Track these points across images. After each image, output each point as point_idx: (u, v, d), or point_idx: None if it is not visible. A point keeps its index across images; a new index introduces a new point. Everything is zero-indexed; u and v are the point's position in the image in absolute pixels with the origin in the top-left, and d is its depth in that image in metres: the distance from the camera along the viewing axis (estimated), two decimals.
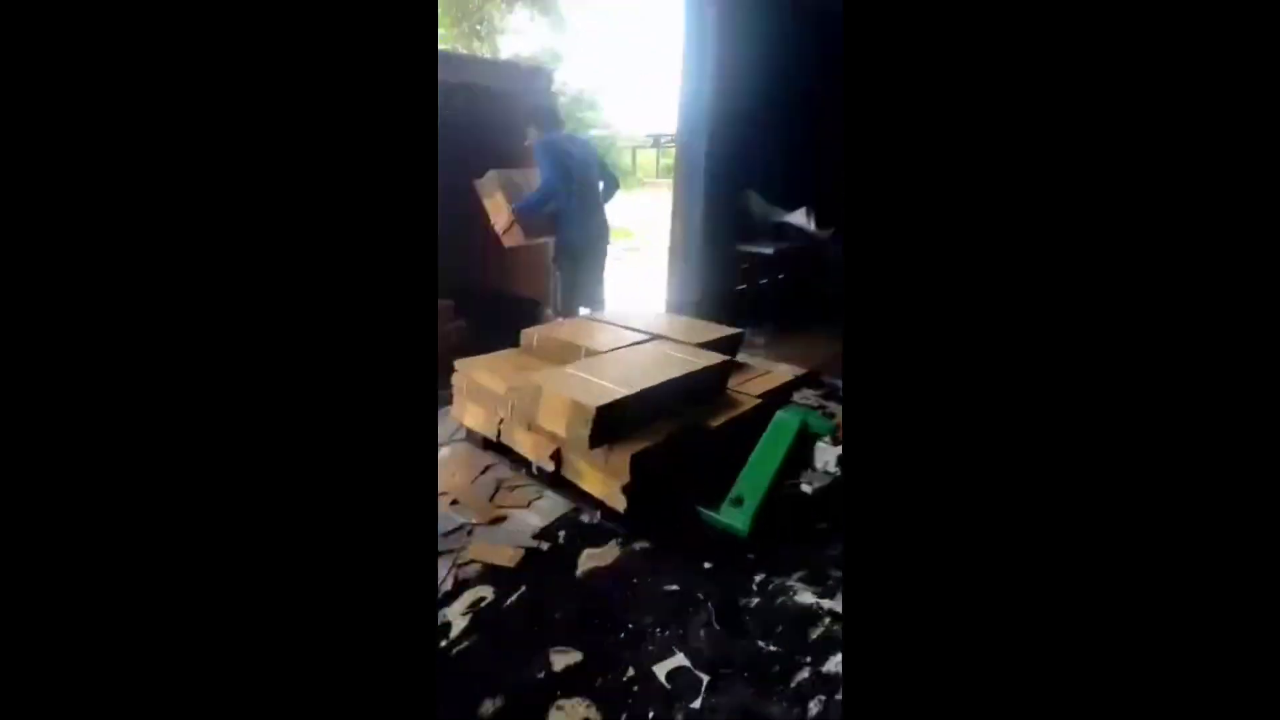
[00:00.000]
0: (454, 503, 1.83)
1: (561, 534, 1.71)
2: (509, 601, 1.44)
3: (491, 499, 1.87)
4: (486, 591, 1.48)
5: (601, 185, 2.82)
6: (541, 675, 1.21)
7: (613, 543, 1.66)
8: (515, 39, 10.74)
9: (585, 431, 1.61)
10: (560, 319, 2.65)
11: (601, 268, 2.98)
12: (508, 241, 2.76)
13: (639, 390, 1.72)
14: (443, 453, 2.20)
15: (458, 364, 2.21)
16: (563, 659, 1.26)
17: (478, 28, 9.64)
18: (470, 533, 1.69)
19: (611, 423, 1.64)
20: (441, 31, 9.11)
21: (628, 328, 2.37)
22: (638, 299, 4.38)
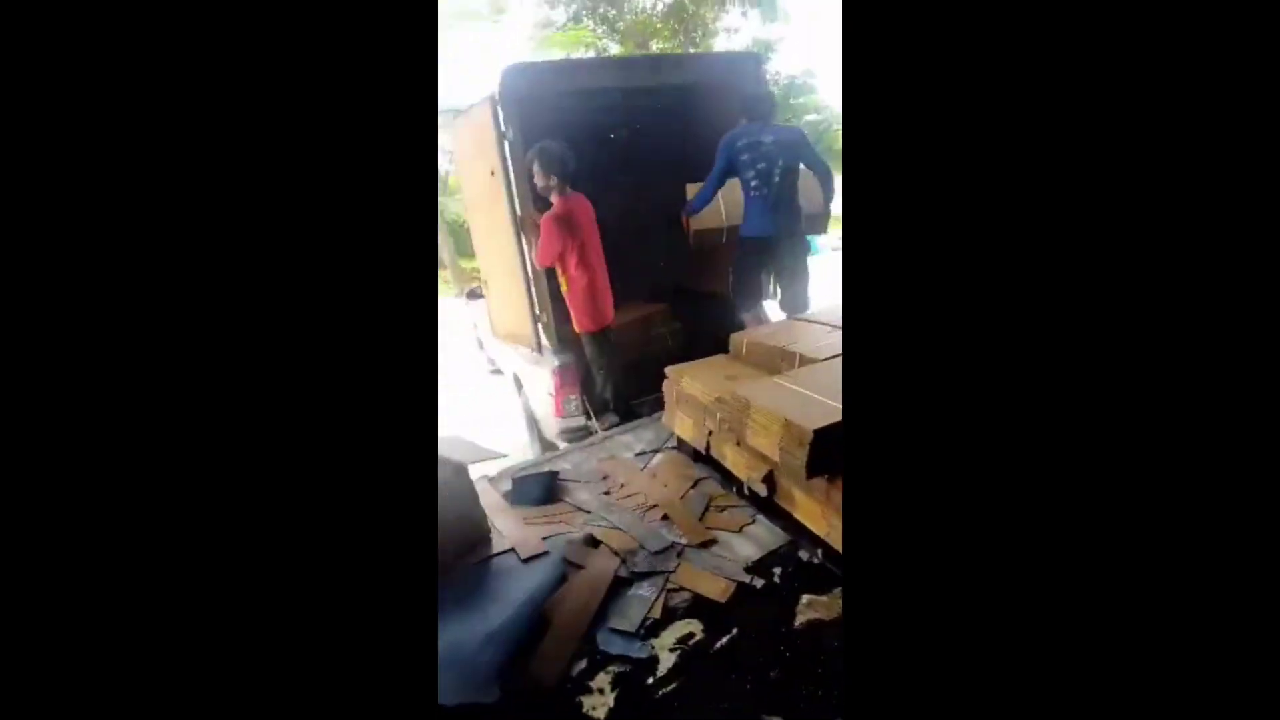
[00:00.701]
0: (664, 518, 1.77)
1: (777, 571, 1.52)
2: (719, 644, 1.31)
3: (701, 518, 1.77)
4: (695, 627, 1.37)
5: (813, 176, 2.65)
6: None
7: (837, 590, 1.41)
8: (728, 38, 10.71)
9: (800, 458, 1.39)
10: (758, 321, 2.46)
11: (795, 266, 2.78)
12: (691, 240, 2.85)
13: None
14: (654, 461, 2.18)
15: (668, 371, 2.17)
16: None
17: (693, 34, 9.82)
18: (680, 554, 1.61)
19: (833, 448, 1.39)
20: (663, 45, 9.49)
21: (839, 325, 2.06)
22: None
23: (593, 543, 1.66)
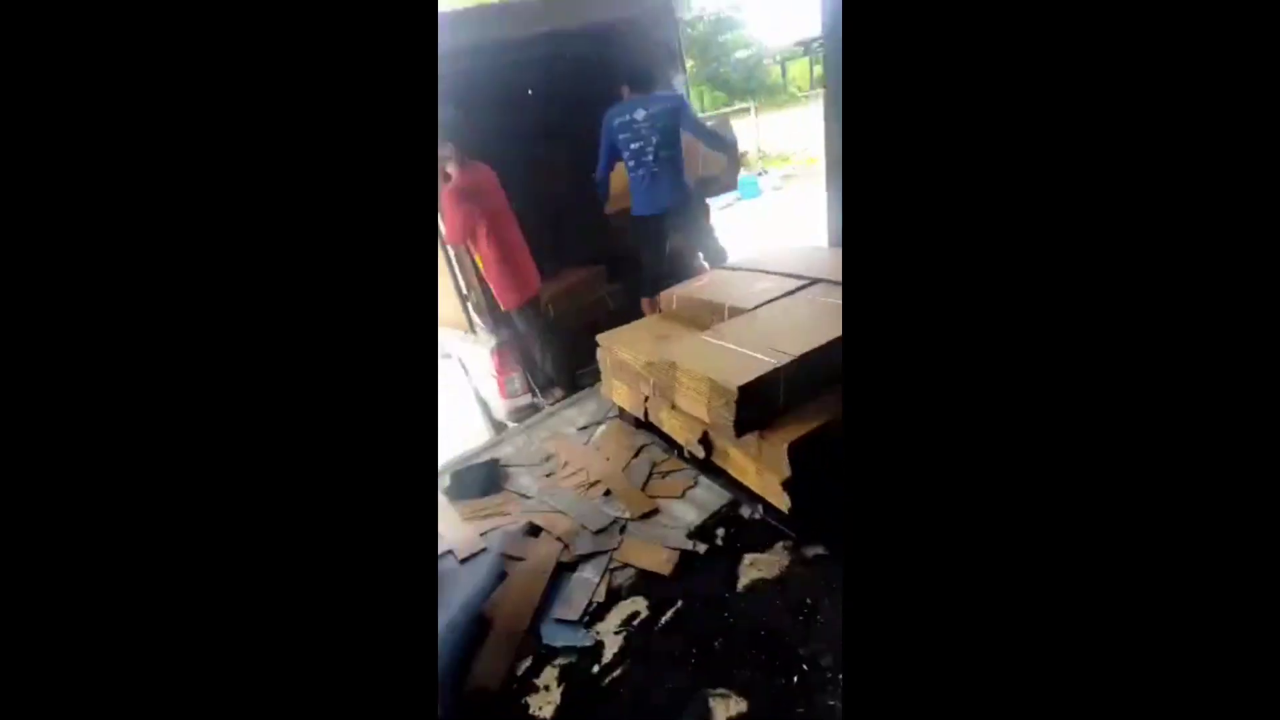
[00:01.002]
0: (606, 493, 1.72)
1: (720, 532, 1.48)
2: (663, 620, 1.27)
3: (644, 487, 1.72)
4: (640, 604, 1.33)
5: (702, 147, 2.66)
6: None
7: (779, 547, 1.39)
8: None
9: (728, 416, 1.33)
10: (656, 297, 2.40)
11: (693, 233, 2.79)
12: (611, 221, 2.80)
13: (794, 358, 1.37)
14: (596, 434, 2.11)
15: (600, 338, 2.07)
16: (724, 708, 1.05)
17: None
18: (623, 529, 1.56)
19: (760, 403, 1.34)
20: None
21: (782, 273, 1.99)
22: (797, 235, 3.82)
23: (533, 531, 1.59)
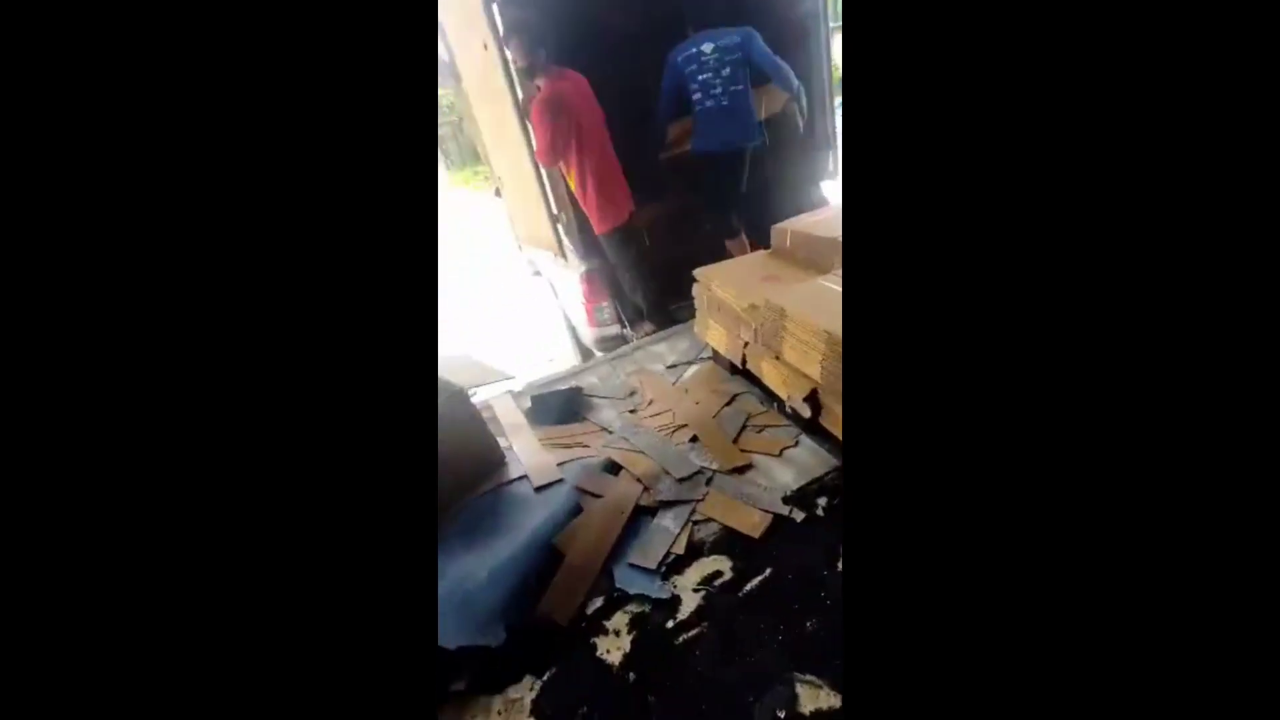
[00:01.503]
0: (693, 439, 1.60)
1: (821, 502, 1.33)
2: (750, 586, 1.16)
3: (736, 439, 1.58)
4: (724, 565, 1.22)
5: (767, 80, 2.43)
6: (783, 716, 0.92)
7: None
8: None
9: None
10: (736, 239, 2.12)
11: (762, 172, 2.56)
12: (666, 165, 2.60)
13: None
14: (686, 374, 1.98)
15: (698, 273, 1.90)
16: (814, 697, 0.93)
17: None
18: (710, 481, 1.44)
19: None
20: None
21: None
22: None
23: (613, 468, 1.51)
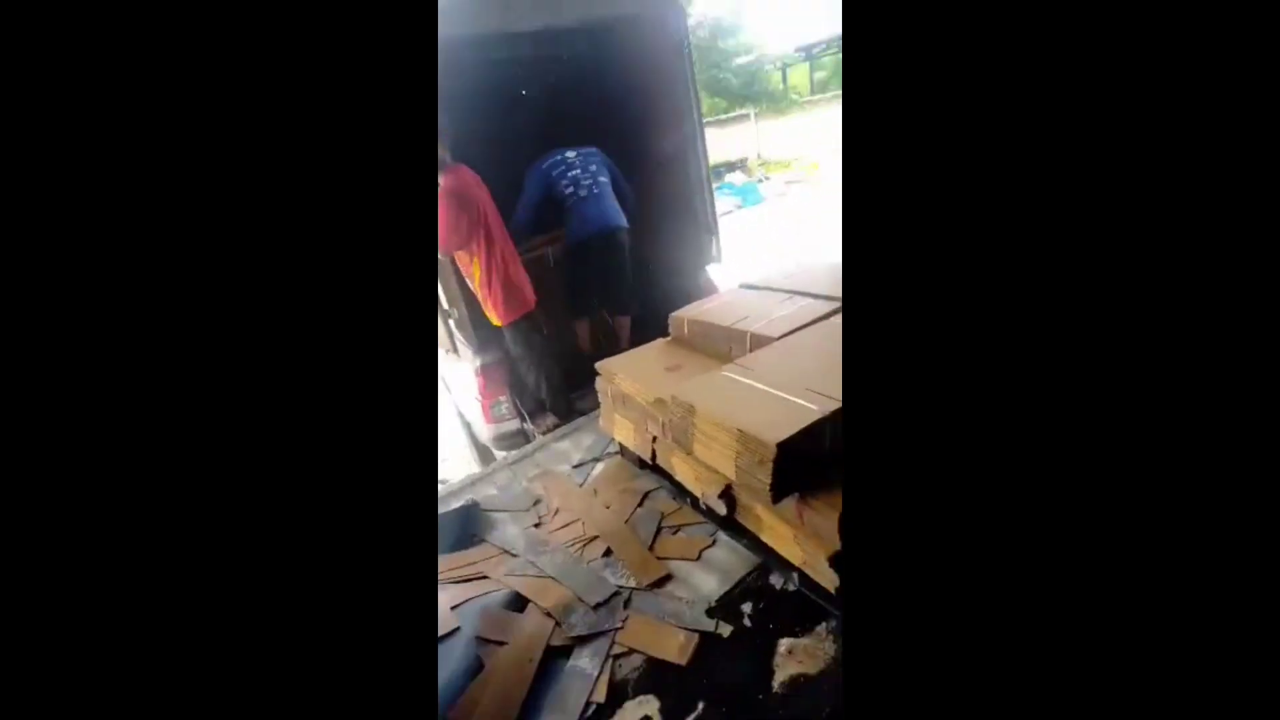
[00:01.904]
0: (607, 553, 1.46)
1: (747, 608, 1.23)
2: None
3: (652, 545, 1.46)
4: (651, 707, 1.07)
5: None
6: None
7: (822, 629, 1.14)
8: None
9: (763, 478, 1.08)
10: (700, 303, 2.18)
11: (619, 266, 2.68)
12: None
13: (840, 403, 1.13)
14: (594, 473, 1.86)
15: (600, 366, 1.82)
16: None
17: None
18: (628, 602, 1.30)
19: (803, 462, 1.09)
20: None
21: (809, 294, 1.74)
22: (806, 248, 3.61)
23: (519, 602, 1.33)
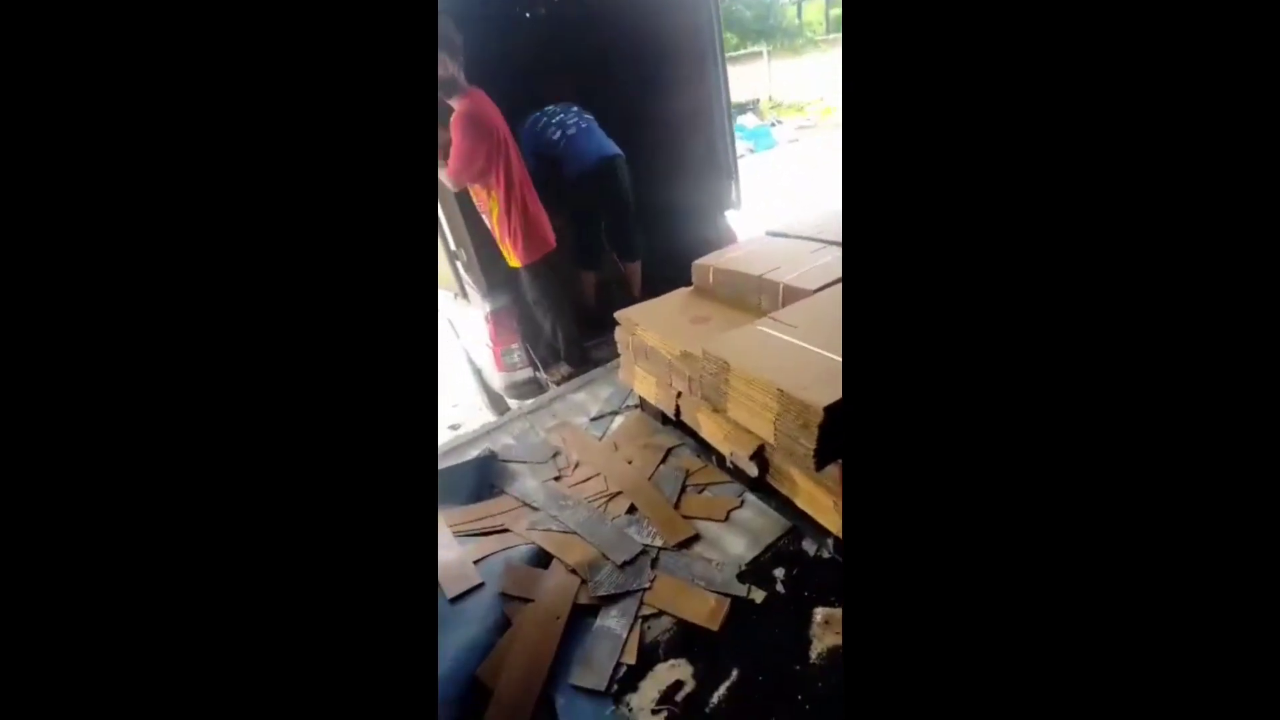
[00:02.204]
0: (631, 509, 1.42)
1: (779, 574, 1.20)
2: (716, 697, 0.99)
3: (677, 504, 1.42)
4: (684, 671, 1.05)
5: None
6: None
7: None
8: None
9: (807, 444, 1.02)
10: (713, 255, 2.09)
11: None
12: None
13: None
14: (613, 426, 1.80)
15: (620, 315, 1.73)
16: None
17: None
18: (655, 562, 1.26)
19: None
20: None
21: (836, 243, 1.64)
22: (824, 196, 3.46)
23: (543, 558, 1.30)
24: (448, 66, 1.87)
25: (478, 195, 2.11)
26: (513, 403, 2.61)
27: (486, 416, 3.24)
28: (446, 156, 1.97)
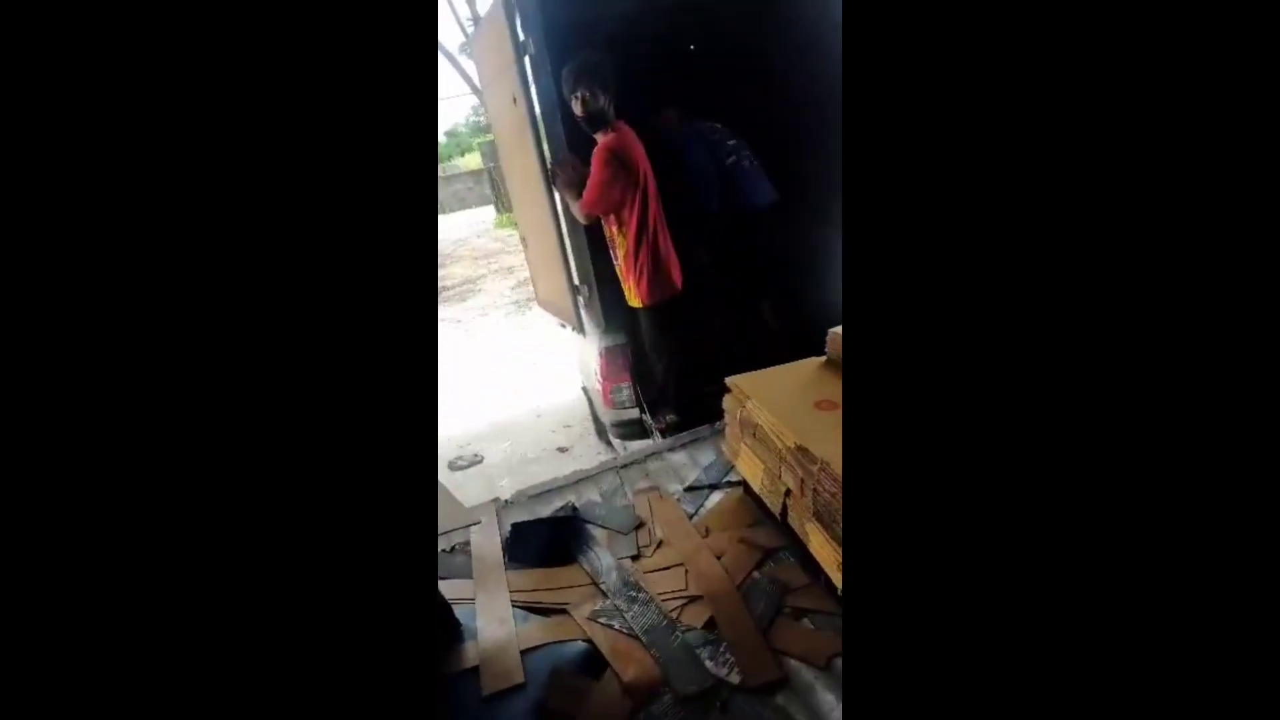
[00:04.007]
0: (709, 625, 1.19)
1: None
2: None
3: (766, 630, 1.16)
4: None
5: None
6: None
7: None
8: None
9: None
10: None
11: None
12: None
13: None
14: (708, 503, 1.59)
15: (730, 382, 1.52)
16: None
17: None
18: (726, 703, 1.03)
19: None
20: None
21: None
22: None
23: (596, 664, 1.12)
24: (599, 99, 1.83)
25: (609, 228, 2.03)
26: (617, 442, 2.50)
27: (595, 443, 3.19)
28: (580, 188, 1.92)
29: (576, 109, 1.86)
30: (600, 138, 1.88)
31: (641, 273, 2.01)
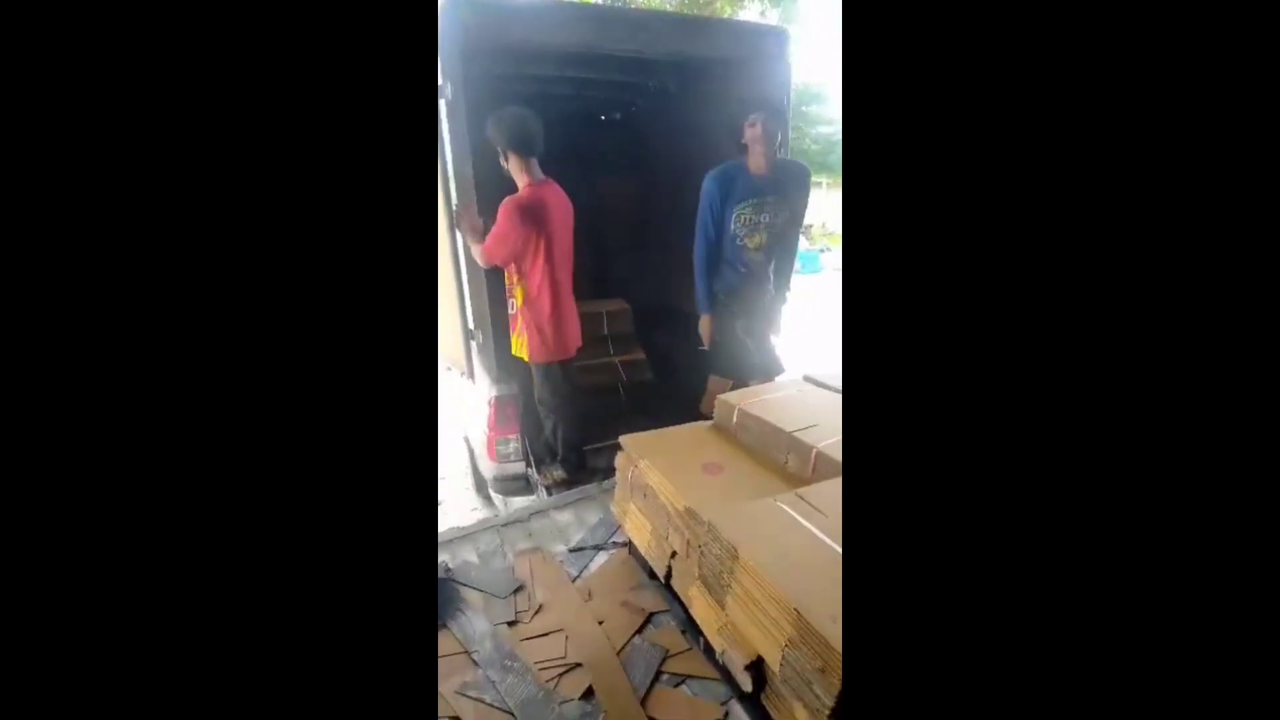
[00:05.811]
0: (588, 694, 1.14)
1: None
2: None
3: (645, 697, 1.14)
4: None
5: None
6: None
7: None
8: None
9: (824, 697, 0.77)
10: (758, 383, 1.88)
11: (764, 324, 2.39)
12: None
13: None
14: (592, 566, 1.55)
15: (623, 440, 1.54)
16: None
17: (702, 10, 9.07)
18: None
19: None
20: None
21: None
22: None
23: None
24: (520, 157, 1.88)
25: (509, 277, 2.02)
26: (497, 498, 2.39)
27: (470, 498, 3.01)
28: (482, 235, 1.91)
29: (503, 160, 1.91)
30: (519, 187, 1.92)
31: (531, 329, 2.02)
